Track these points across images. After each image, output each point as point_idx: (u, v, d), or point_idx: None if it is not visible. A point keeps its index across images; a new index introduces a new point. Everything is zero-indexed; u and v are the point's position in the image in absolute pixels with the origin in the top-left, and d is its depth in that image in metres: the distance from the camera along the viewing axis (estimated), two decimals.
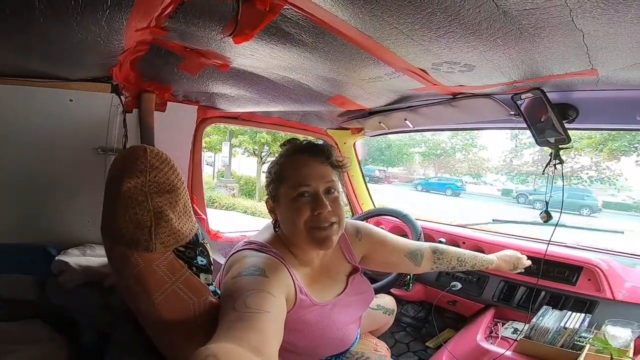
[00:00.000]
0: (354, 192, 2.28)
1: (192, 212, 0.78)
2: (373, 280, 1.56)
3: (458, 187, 14.77)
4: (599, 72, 0.94)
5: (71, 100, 1.13)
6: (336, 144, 2.11)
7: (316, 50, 0.93)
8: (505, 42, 0.79)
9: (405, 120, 1.61)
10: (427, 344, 1.82)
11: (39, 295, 1.10)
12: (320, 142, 0.94)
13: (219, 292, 0.80)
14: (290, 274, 0.84)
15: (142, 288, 0.69)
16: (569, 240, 1.70)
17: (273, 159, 0.96)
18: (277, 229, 0.94)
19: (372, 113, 1.74)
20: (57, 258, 1.09)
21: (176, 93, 1.37)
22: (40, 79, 1.05)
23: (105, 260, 1.00)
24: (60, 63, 0.99)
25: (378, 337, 1.40)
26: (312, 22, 0.78)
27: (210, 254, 0.82)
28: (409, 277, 1.58)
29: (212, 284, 0.79)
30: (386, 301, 1.49)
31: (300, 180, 0.86)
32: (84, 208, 1.21)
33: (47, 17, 0.68)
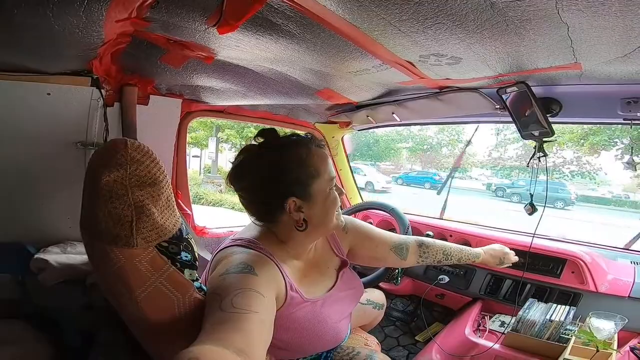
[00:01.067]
0: (342, 186, 2.26)
1: (175, 206, 0.75)
2: (362, 275, 1.56)
3: (436, 181, 14.91)
4: (582, 66, 0.95)
5: (49, 94, 1.09)
6: (324, 138, 2.10)
7: (304, 41, 0.91)
8: (492, 35, 0.79)
9: (393, 114, 1.61)
10: (416, 337, 1.83)
11: (19, 294, 1.06)
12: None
13: (204, 288, 0.79)
14: (281, 271, 0.82)
15: (123, 285, 0.67)
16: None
17: (270, 157, 0.85)
18: (301, 229, 0.86)
19: (360, 107, 1.73)
20: (35, 256, 1.06)
21: (159, 86, 1.33)
22: (16, 72, 1.01)
23: (87, 257, 0.97)
24: (36, 56, 0.95)
25: (368, 332, 1.40)
26: (299, 12, 0.76)
27: (195, 249, 0.80)
28: (397, 270, 1.58)
29: (197, 280, 0.78)
30: (376, 296, 1.49)
31: (330, 172, 0.87)
32: (64, 204, 1.17)
33: (20, 7, 0.65)
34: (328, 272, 1.00)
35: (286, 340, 0.82)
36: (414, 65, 1.05)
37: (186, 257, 0.75)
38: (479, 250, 1.34)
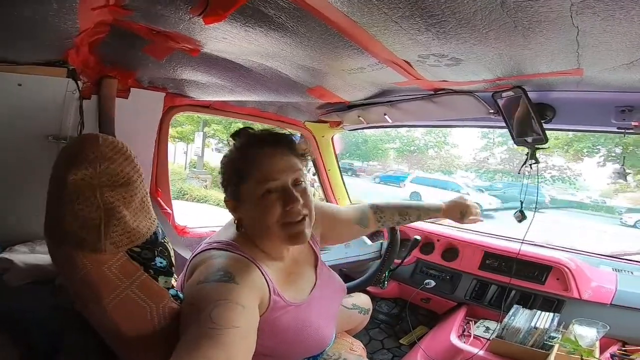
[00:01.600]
0: (330, 186, 2.24)
1: (150, 208, 0.70)
2: (349, 278, 1.54)
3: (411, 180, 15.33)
4: (583, 72, 0.93)
5: (20, 85, 1.01)
6: (314, 137, 2.06)
7: (297, 35, 0.86)
8: (498, 36, 0.76)
9: (385, 115, 1.58)
10: (400, 341, 1.83)
11: None
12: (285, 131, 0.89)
13: (181, 296, 0.73)
14: (263, 274, 0.78)
15: (91, 292, 0.61)
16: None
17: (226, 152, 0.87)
18: (240, 229, 0.85)
19: (351, 107, 1.70)
20: (0, 255, 0.98)
21: (141, 79, 1.26)
22: None
23: None
24: (6, 44, 0.87)
25: (353, 336, 1.37)
26: (293, 3, 0.71)
27: (172, 255, 0.74)
28: (384, 275, 1.56)
29: (173, 288, 0.72)
30: (362, 300, 1.46)
31: (266, 175, 0.79)
32: (34, 200, 1.07)
33: None
34: (307, 272, 0.95)
35: (271, 346, 0.78)
36: (411, 66, 1.01)
37: (161, 263, 0.70)
38: (439, 203, 1.30)
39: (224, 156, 0.87)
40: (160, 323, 0.66)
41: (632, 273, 1.57)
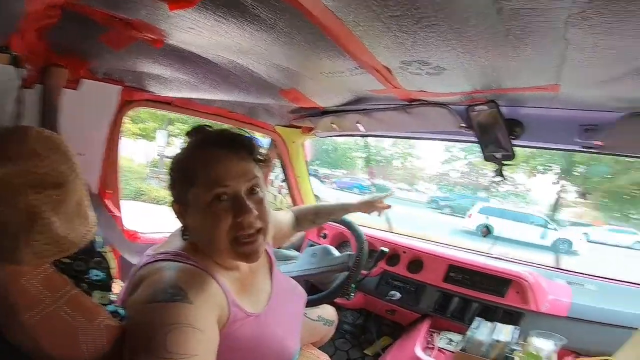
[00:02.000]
0: (299, 194, 2.17)
1: (89, 212, 0.60)
2: (316, 290, 1.48)
3: (364, 187, 15.69)
4: (560, 88, 0.94)
5: None
6: (284, 142, 1.99)
7: (274, 30, 0.79)
8: (486, 45, 0.74)
9: (358, 123, 1.55)
10: (365, 351, 1.81)
11: None
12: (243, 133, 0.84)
13: (121, 312, 0.63)
14: (220, 285, 0.69)
15: (7, 307, 0.52)
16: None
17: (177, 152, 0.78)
18: (185, 237, 0.76)
19: (324, 113, 1.66)
20: None
21: (95, 70, 1.14)
22: None
23: None
24: None
25: (318, 347, 1.34)
26: None
27: (112, 266, 0.64)
28: (351, 287, 1.52)
29: (111, 304, 0.62)
30: (327, 312, 1.43)
31: (216, 180, 0.70)
32: None
33: None
34: (263, 280, 0.87)
35: None
36: (390, 73, 0.98)
37: (97, 276, 0.61)
38: (351, 201, 1.43)
39: (175, 155, 0.78)
40: (95, 343, 0.57)
41: (583, 285, 1.64)
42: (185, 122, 9.63)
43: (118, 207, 1.37)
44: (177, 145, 11.85)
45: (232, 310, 0.69)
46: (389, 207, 1.44)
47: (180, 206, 0.75)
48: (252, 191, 0.74)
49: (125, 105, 1.33)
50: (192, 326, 0.57)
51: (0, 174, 0.50)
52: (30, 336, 0.53)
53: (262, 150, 0.79)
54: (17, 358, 0.54)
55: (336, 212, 1.39)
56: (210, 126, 0.79)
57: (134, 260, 1.21)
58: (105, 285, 0.63)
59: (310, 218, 1.31)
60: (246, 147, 0.76)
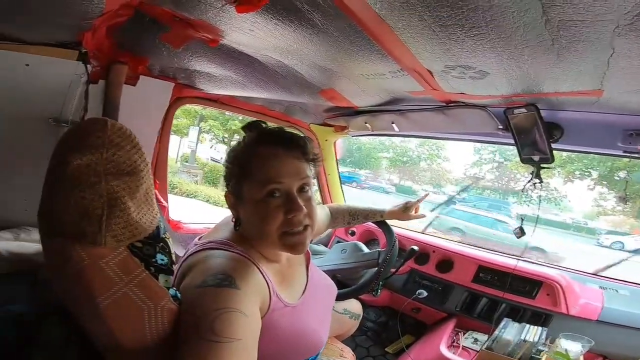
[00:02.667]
0: (328, 192, 2.21)
1: (154, 200, 0.65)
2: (344, 285, 1.51)
3: (361, 181, 16.04)
4: (603, 93, 0.92)
5: (27, 65, 0.97)
6: (317, 140, 2.03)
7: (324, 34, 0.83)
8: (532, 53, 0.74)
9: (392, 123, 1.56)
10: (386, 349, 1.81)
11: None
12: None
13: (179, 296, 0.69)
14: (263, 275, 0.73)
15: (84, 289, 0.56)
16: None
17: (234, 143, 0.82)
18: (237, 228, 0.80)
19: (359, 112, 1.67)
20: None
21: (152, 67, 1.22)
22: None
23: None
24: (19, 23, 0.84)
25: (341, 341, 1.38)
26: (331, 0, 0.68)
27: (172, 252, 0.70)
28: (379, 283, 1.54)
29: (172, 288, 0.68)
30: (353, 306, 1.45)
31: (270, 177, 0.73)
32: (25, 185, 1.02)
33: None
34: (299, 273, 0.91)
35: (262, 348, 0.74)
36: (432, 75, 1.00)
37: (162, 260, 0.66)
38: (386, 207, 1.46)
39: (231, 148, 0.82)
40: (157, 325, 0.61)
41: (617, 291, 1.61)
42: (216, 119, 9.91)
43: (165, 197, 1.46)
44: (208, 141, 12.23)
45: (272, 300, 0.73)
46: (423, 216, 1.47)
47: (234, 198, 0.79)
48: (302, 189, 0.77)
49: (176, 101, 1.41)
50: (239, 311, 0.60)
51: (86, 161, 0.54)
52: (102, 317, 0.57)
53: (315, 151, 0.82)
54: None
55: (371, 217, 1.41)
56: (264, 122, 0.83)
57: (178, 250, 1.27)
58: (168, 270, 0.67)
59: (346, 219, 1.34)
60: (301, 147, 0.78)
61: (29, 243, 0.97)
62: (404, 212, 1.42)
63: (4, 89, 0.98)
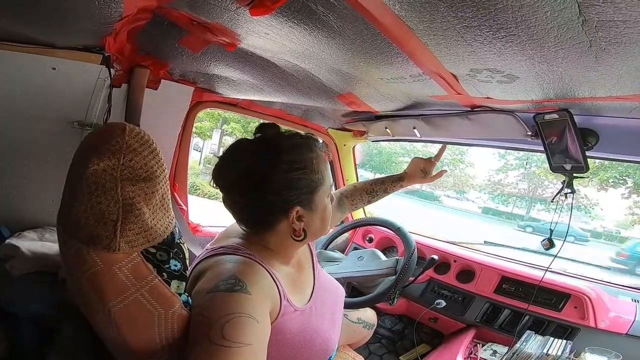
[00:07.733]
0: None
1: (170, 206, 0.66)
2: (359, 293, 1.48)
3: None
4: None
5: (54, 69, 1.01)
6: (335, 145, 2.01)
7: (341, 37, 0.81)
8: (567, 55, 0.69)
9: (414, 128, 1.52)
10: (400, 358, 1.76)
11: None
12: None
13: (191, 302, 0.68)
14: (274, 280, 0.73)
15: (95, 293, 0.57)
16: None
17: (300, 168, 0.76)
18: (299, 238, 0.78)
19: (379, 117, 1.64)
20: (7, 241, 0.96)
21: (173, 71, 1.25)
22: (22, 43, 0.93)
23: None
24: (47, 28, 0.87)
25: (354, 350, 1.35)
26: (346, 1, 0.67)
27: (187, 257, 0.70)
28: (396, 293, 1.50)
29: (184, 294, 0.67)
30: (367, 315, 1.43)
31: (331, 178, 0.85)
32: (49, 186, 1.08)
33: None
34: (307, 274, 0.90)
35: (271, 353, 0.73)
36: (456, 79, 0.95)
37: (175, 266, 0.65)
38: (400, 173, 1.34)
39: (293, 161, 0.75)
40: (167, 331, 0.61)
41: None
42: (238, 121, 10.07)
43: (185, 200, 1.49)
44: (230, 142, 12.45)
45: (283, 304, 0.72)
46: (444, 172, 1.41)
47: (304, 209, 0.77)
48: None
49: (196, 105, 1.44)
50: (250, 316, 0.60)
51: (103, 167, 0.55)
52: (112, 321, 0.57)
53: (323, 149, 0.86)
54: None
55: (390, 189, 1.30)
56: (276, 125, 0.81)
57: (196, 252, 1.29)
58: (181, 275, 0.66)
59: (365, 200, 1.27)
60: (322, 146, 0.84)
61: (52, 243, 1.00)
62: (424, 177, 1.32)
63: (32, 92, 1.02)
